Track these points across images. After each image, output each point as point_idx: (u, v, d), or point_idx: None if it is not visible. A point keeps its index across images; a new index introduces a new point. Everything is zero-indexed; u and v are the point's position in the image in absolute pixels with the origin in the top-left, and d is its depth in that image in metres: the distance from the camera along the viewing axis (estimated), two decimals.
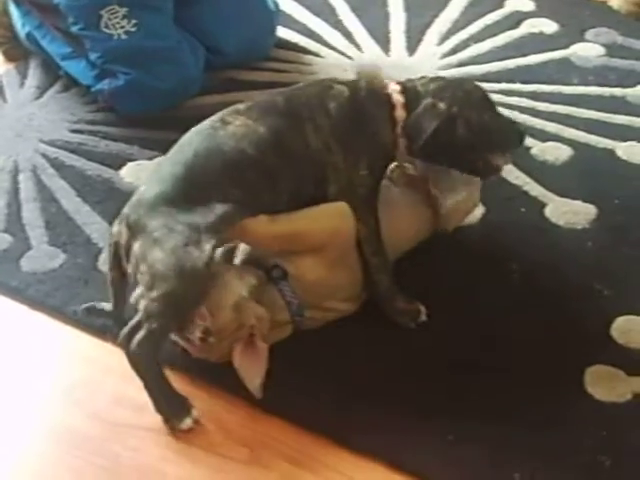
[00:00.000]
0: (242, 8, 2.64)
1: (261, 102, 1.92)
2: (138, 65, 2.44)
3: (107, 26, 2.43)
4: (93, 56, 2.47)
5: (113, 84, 2.46)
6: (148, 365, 1.72)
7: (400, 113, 1.89)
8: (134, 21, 2.44)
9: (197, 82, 2.55)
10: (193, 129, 1.91)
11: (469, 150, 1.91)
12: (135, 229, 1.76)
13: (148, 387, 1.73)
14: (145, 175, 2.00)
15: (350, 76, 2.57)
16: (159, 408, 1.74)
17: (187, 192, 1.77)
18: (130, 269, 1.78)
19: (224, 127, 1.85)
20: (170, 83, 2.47)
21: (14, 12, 2.68)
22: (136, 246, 1.75)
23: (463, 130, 1.88)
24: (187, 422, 1.74)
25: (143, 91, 2.46)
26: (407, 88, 1.92)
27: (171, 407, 1.75)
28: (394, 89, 1.92)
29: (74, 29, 2.47)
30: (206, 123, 1.90)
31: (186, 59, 2.51)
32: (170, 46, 2.49)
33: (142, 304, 1.74)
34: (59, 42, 2.55)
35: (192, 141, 1.87)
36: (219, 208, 1.76)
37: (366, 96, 1.90)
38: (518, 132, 2.02)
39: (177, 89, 2.50)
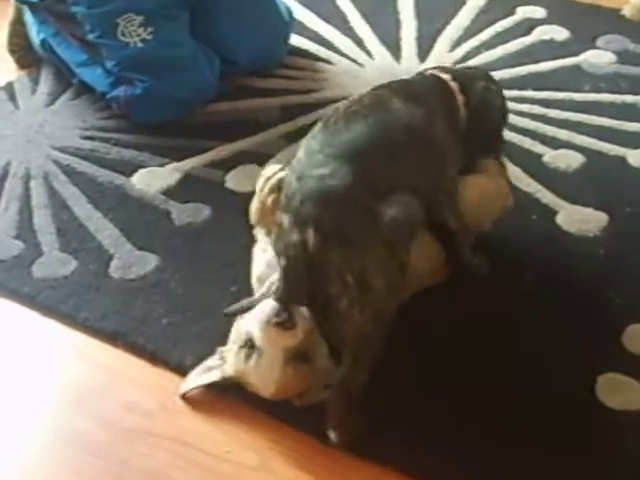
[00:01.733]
0: (257, 19, 2.64)
1: (392, 88, 1.85)
2: (154, 73, 2.45)
3: (124, 34, 2.44)
4: (109, 64, 2.48)
5: (129, 92, 2.47)
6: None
7: (460, 98, 1.92)
8: (150, 29, 2.44)
9: (212, 90, 2.55)
10: (348, 107, 1.75)
11: (501, 129, 2.06)
12: (333, 235, 1.57)
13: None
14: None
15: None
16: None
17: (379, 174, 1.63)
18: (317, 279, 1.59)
19: (389, 103, 1.76)
20: (186, 91, 2.48)
21: (29, 20, 2.70)
22: (335, 255, 1.57)
23: (504, 110, 2.05)
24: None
25: (159, 99, 2.47)
26: (455, 73, 1.96)
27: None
28: (446, 77, 1.94)
29: (91, 37, 2.49)
30: (365, 100, 1.77)
31: (202, 68, 2.52)
32: (186, 54, 2.50)
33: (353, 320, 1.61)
34: (75, 49, 2.57)
35: (366, 117, 1.70)
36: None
37: (439, 88, 1.91)
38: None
39: (193, 97, 2.50)
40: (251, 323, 1.72)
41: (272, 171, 1.88)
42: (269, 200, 1.84)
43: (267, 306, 1.71)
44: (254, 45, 2.63)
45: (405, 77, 2.00)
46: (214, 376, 1.79)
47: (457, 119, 1.91)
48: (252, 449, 1.72)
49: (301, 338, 1.69)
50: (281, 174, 1.81)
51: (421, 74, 1.99)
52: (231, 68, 2.63)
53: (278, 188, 1.79)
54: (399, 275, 1.65)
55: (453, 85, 1.93)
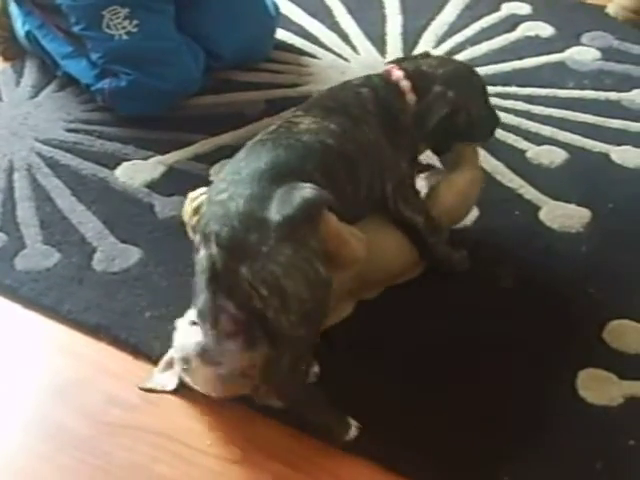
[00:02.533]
0: (243, 13, 2.64)
1: (314, 105, 1.90)
2: (139, 66, 2.45)
3: (109, 26, 2.43)
4: (94, 56, 2.48)
5: (114, 84, 2.46)
6: (303, 390, 1.70)
7: (410, 97, 1.93)
8: (135, 22, 2.44)
9: (196, 84, 2.55)
10: (256, 138, 1.81)
11: (457, 138, 2.00)
12: (234, 249, 1.61)
13: (313, 411, 1.71)
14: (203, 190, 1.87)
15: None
16: (327, 425, 1.70)
17: (272, 188, 1.65)
18: (239, 297, 1.62)
19: (295, 126, 1.80)
20: (171, 84, 2.47)
21: (14, 11, 2.69)
22: (244, 270, 1.60)
23: (462, 121, 1.96)
24: (353, 431, 1.70)
25: (143, 92, 2.46)
26: (411, 72, 1.95)
27: (336, 419, 1.71)
28: (398, 75, 1.94)
29: (76, 29, 2.48)
30: (271, 128, 1.82)
31: (186, 61, 2.52)
32: (171, 47, 2.50)
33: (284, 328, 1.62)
34: (60, 41, 2.57)
35: (265, 143, 1.76)
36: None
37: (385, 90, 1.92)
38: (497, 123, 2.11)
39: (177, 90, 2.50)
40: (186, 345, 1.76)
41: (195, 195, 1.92)
42: (193, 221, 1.87)
43: (194, 340, 1.74)
44: (240, 39, 2.63)
45: (346, 81, 2.00)
46: (172, 383, 1.81)
47: (400, 120, 1.91)
48: (236, 443, 1.73)
49: (232, 367, 1.70)
50: (202, 198, 1.85)
51: (367, 76, 1.98)
52: (216, 62, 2.63)
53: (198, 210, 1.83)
54: (317, 268, 1.63)
55: (404, 84, 1.93)
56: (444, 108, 1.92)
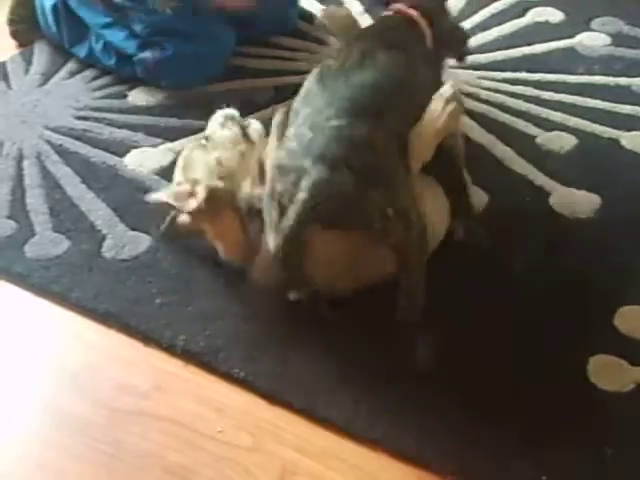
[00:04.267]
0: None
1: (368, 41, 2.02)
2: (183, 37, 2.48)
3: (154, 2, 2.49)
4: (138, 27, 2.52)
5: (158, 54, 2.49)
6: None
7: (428, 32, 2.11)
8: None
9: (231, 52, 2.61)
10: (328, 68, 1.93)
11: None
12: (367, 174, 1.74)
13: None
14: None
15: None
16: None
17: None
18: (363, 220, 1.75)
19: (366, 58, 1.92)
20: (212, 49, 2.51)
21: None
22: (375, 195, 1.73)
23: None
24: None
25: (188, 61, 2.49)
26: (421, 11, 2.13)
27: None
28: (415, 14, 2.12)
29: (119, 0, 2.51)
30: (333, 65, 1.93)
31: (224, 30, 2.56)
32: (212, 19, 2.53)
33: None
34: (98, 11, 2.58)
35: (348, 74, 1.88)
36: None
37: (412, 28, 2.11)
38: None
39: (218, 58, 2.54)
40: None
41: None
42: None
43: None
44: (270, 6, 2.66)
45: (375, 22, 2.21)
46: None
47: (427, 52, 2.09)
48: (246, 430, 1.73)
49: None
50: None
51: (390, 16, 2.14)
52: (248, 31, 2.65)
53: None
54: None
55: (422, 22, 2.10)
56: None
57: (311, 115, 1.83)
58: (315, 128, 1.79)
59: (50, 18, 2.68)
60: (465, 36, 2.37)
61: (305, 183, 1.72)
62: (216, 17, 2.55)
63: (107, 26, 2.58)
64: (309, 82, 1.94)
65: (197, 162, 1.95)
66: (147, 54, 2.50)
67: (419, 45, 2.07)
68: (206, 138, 2.01)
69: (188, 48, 2.48)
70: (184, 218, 1.97)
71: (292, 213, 1.73)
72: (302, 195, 1.72)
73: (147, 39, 2.50)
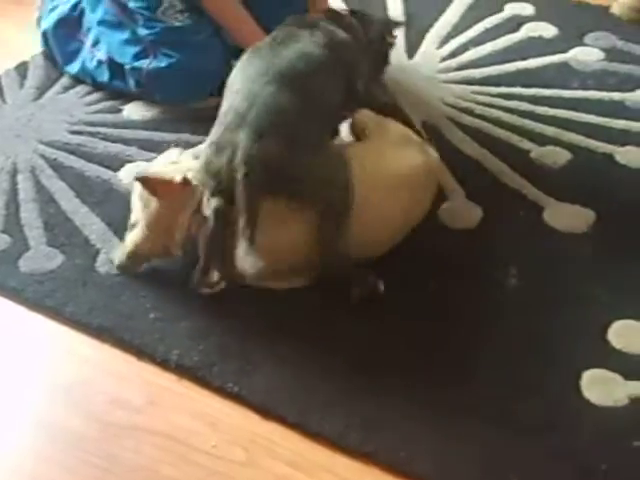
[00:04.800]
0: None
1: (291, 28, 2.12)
2: (183, 51, 2.48)
3: (164, 13, 2.50)
4: (143, 32, 2.51)
5: (153, 64, 2.48)
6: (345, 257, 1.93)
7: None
8: (187, 14, 2.51)
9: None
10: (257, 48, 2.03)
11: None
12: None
13: (352, 274, 1.94)
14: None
15: None
16: (362, 284, 1.93)
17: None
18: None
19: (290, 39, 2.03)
20: (209, 69, 2.49)
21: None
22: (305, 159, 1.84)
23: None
24: (381, 285, 1.94)
25: (182, 76, 2.48)
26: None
27: (364, 278, 1.94)
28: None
29: (131, 4, 2.52)
30: (263, 44, 2.05)
31: (225, 50, 2.55)
32: (215, 40, 2.55)
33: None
34: (106, 9, 2.58)
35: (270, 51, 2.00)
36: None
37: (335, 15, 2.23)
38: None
39: (214, 77, 2.49)
40: None
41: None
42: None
43: None
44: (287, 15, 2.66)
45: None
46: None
47: (359, 36, 2.20)
48: (240, 444, 1.73)
49: None
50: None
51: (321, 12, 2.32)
52: None
53: None
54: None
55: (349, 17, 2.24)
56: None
57: (246, 83, 1.92)
58: (250, 96, 1.87)
59: (42, 43, 2.72)
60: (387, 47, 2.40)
61: (240, 156, 1.80)
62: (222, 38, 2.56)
63: (110, 25, 2.57)
64: (240, 61, 2.03)
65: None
66: (142, 63, 2.50)
67: (346, 28, 2.16)
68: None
69: (183, 64, 2.47)
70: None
71: (240, 190, 1.79)
72: (241, 170, 1.79)
73: (149, 46, 2.50)
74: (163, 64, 2.47)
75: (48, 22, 2.68)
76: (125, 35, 2.54)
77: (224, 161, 1.81)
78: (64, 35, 2.66)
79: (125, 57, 2.54)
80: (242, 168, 1.78)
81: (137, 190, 2.01)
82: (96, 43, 2.61)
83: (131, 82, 2.55)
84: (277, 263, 1.92)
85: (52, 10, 2.69)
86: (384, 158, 2.02)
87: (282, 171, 1.81)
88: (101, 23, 2.59)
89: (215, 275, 1.89)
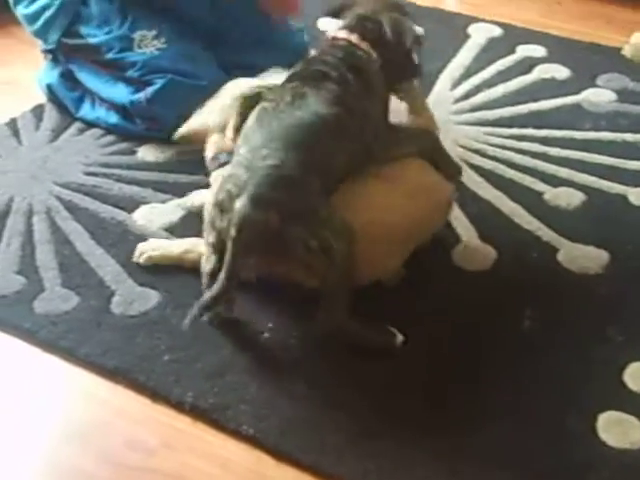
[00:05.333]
0: (276, 42, 2.74)
1: (301, 76, 2.11)
2: (172, 71, 2.52)
3: (140, 46, 2.56)
4: (129, 72, 2.56)
5: (150, 90, 2.52)
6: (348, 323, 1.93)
7: (374, 55, 2.14)
8: (163, 39, 2.57)
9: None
10: (265, 106, 2.03)
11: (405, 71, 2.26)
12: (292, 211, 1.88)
13: (360, 336, 1.95)
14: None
15: None
16: (375, 343, 1.95)
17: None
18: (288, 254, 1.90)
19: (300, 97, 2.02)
20: (204, 81, 2.51)
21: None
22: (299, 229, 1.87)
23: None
24: (399, 338, 1.94)
25: (179, 92, 2.50)
26: (363, 35, 2.15)
27: (382, 335, 1.95)
28: (356, 39, 2.14)
29: (109, 55, 2.58)
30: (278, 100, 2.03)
31: (216, 70, 2.61)
32: (201, 57, 2.60)
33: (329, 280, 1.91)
34: (96, 72, 2.63)
35: (278, 114, 2.00)
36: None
37: (345, 52, 2.12)
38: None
39: (214, 90, 2.52)
40: None
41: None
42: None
43: None
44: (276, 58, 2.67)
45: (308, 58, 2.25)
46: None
47: (373, 79, 2.12)
48: None
49: None
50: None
51: (333, 45, 2.16)
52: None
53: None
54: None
55: (364, 46, 2.13)
56: (406, 27, 2.16)
57: (248, 154, 1.95)
58: (250, 169, 1.91)
59: (47, 95, 2.77)
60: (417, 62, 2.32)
61: (234, 221, 1.87)
62: (207, 56, 2.62)
63: (104, 83, 2.62)
64: (250, 121, 2.04)
65: None
66: (139, 96, 2.53)
67: (357, 71, 2.09)
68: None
69: (177, 77, 2.52)
70: None
71: (228, 251, 1.89)
72: (232, 232, 1.87)
73: (140, 80, 2.54)
74: (159, 85, 2.51)
75: (52, 77, 2.73)
76: (119, 85, 2.59)
77: (224, 225, 1.91)
78: (68, 87, 2.71)
79: (123, 98, 2.57)
80: (233, 230, 1.87)
81: None
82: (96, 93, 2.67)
83: (137, 120, 2.58)
84: None
85: (54, 67, 2.73)
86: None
87: (273, 238, 1.88)
88: (99, 85, 2.63)
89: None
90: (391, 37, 2.14)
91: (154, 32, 2.57)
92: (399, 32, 2.15)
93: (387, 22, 2.14)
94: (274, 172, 1.90)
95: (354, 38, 2.13)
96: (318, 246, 1.88)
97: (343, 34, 2.15)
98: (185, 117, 2.38)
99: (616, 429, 1.78)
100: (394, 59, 2.17)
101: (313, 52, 2.54)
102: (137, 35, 2.57)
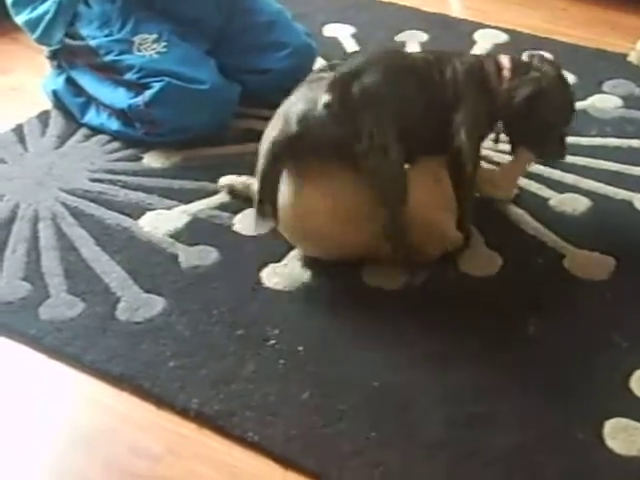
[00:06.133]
0: (279, 43, 2.75)
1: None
2: (172, 75, 2.50)
3: (139, 50, 2.56)
4: (128, 75, 2.55)
5: (148, 94, 2.50)
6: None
7: (506, 73, 2.18)
8: (164, 43, 2.57)
9: (234, 92, 2.64)
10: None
11: (529, 137, 2.23)
12: None
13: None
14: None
15: None
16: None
17: None
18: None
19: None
20: (206, 85, 2.51)
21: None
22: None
23: (541, 117, 2.17)
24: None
25: (179, 95, 2.50)
26: (516, 60, 2.23)
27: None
28: (503, 57, 2.22)
29: (108, 58, 2.58)
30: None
31: (216, 75, 2.60)
32: (202, 61, 2.59)
33: None
34: (95, 77, 2.63)
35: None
36: None
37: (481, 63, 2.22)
38: (563, 152, 2.31)
39: (214, 94, 2.54)
40: None
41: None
42: None
43: None
44: (283, 59, 2.73)
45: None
46: None
47: (490, 85, 2.18)
48: None
49: None
50: None
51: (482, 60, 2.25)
52: (265, 75, 2.72)
53: None
54: None
55: (505, 62, 2.20)
56: (533, 87, 2.13)
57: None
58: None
59: (53, 101, 2.77)
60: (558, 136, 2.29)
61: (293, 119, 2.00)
62: (208, 60, 2.62)
63: (103, 88, 2.62)
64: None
65: None
66: (137, 100, 2.53)
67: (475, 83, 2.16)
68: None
69: (176, 80, 2.50)
70: None
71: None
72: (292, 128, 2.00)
73: (139, 83, 2.53)
74: (157, 89, 2.50)
75: (57, 83, 2.73)
76: (119, 90, 2.59)
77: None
78: (73, 93, 2.71)
79: (122, 102, 2.57)
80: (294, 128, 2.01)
81: None
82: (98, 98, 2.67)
83: (137, 124, 2.57)
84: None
85: (59, 74, 2.73)
86: None
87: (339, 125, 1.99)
88: (98, 90, 2.64)
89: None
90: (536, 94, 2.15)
91: (155, 35, 2.57)
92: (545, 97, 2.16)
93: (542, 80, 2.17)
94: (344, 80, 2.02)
95: (505, 61, 2.20)
96: (378, 138, 1.98)
97: (502, 56, 2.22)
98: (184, 122, 2.42)
99: (622, 436, 1.77)
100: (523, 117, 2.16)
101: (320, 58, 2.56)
102: (137, 38, 2.57)
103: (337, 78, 2.02)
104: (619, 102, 2.78)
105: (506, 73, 2.17)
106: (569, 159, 2.51)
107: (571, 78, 2.87)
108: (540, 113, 2.15)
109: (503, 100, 2.15)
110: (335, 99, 1.98)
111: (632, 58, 2.98)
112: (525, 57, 2.27)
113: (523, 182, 2.43)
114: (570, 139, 2.57)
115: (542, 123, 2.18)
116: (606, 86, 2.86)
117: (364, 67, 2.06)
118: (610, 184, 2.43)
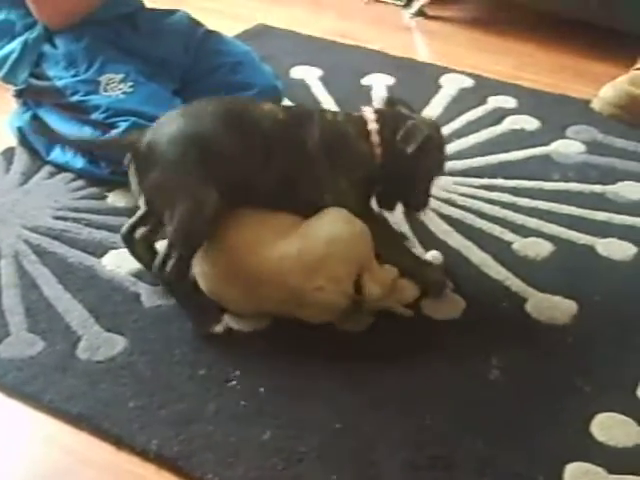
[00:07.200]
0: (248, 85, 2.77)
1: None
2: (138, 115, 2.50)
3: (106, 90, 2.56)
4: (95, 115, 2.54)
5: (113, 133, 2.49)
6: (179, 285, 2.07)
7: (375, 138, 2.13)
8: (130, 83, 2.57)
9: None
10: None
11: (406, 190, 2.19)
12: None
13: (180, 303, 2.11)
14: None
15: None
16: (192, 319, 2.09)
17: None
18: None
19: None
20: None
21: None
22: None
23: (420, 171, 2.15)
24: (218, 328, 2.07)
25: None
26: (384, 113, 2.19)
27: (203, 316, 2.09)
28: (368, 117, 2.16)
29: (74, 98, 2.58)
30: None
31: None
32: (168, 103, 2.56)
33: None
34: (61, 115, 2.62)
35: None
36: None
37: (346, 126, 2.15)
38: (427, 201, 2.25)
39: None
40: None
41: None
42: None
43: None
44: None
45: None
46: None
47: (356, 151, 2.12)
48: None
49: None
50: None
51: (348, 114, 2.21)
52: None
53: None
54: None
55: (373, 126, 2.13)
56: (421, 135, 2.08)
57: None
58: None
59: (18, 138, 2.77)
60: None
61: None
62: (174, 100, 2.61)
63: (70, 126, 2.59)
64: None
65: None
66: (107, 136, 2.51)
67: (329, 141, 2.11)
68: None
69: (143, 122, 2.46)
70: None
71: None
72: None
73: (106, 123, 2.52)
74: (123, 128, 2.49)
75: (22, 120, 2.73)
76: (85, 128, 2.58)
77: None
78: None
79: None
80: None
81: None
82: None
83: (102, 164, 2.57)
84: None
85: (25, 111, 2.73)
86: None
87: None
88: (65, 128, 2.60)
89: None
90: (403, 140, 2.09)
91: (121, 75, 2.58)
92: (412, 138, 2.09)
93: (423, 127, 2.12)
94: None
95: (372, 125, 2.14)
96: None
97: (368, 115, 2.16)
98: None
99: None
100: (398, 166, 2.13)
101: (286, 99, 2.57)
102: (104, 78, 2.58)
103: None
104: (582, 147, 2.81)
105: (373, 126, 2.13)
106: (533, 203, 2.54)
107: (535, 123, 2.92)
108: (427, 161, 2.14)
109: (384, 155, 2.12)
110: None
111: (595, 105, 3.01)
112: (382, 104, 2.28)
113: (486, 226, 2.44)
114: (533, 183, 2.62)
115: (424, 171, 2.16)
116: (569, 131, 2.89)
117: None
118: (573, 229, 2.45)
